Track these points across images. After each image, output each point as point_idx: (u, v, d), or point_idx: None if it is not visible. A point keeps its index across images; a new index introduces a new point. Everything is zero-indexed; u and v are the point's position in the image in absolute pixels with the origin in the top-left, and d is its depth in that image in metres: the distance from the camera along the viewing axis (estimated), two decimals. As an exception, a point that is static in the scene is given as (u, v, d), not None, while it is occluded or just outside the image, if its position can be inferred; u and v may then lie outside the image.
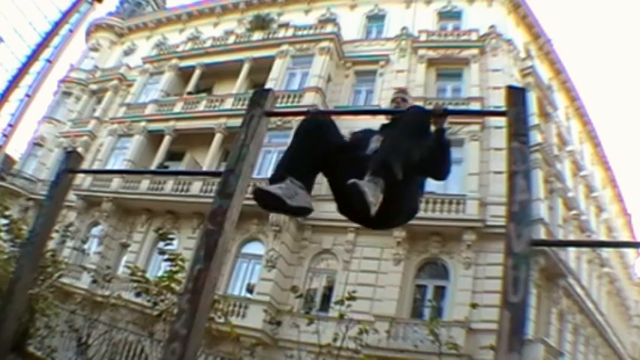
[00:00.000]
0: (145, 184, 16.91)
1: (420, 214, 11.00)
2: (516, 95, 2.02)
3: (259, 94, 2.37)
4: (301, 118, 2.39)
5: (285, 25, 19.19)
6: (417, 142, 2.04)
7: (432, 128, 2.29)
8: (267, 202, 1.96)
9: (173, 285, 6.28)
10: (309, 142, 2.16)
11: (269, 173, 15.53)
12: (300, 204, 1.96)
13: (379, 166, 1.90)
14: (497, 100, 13.45)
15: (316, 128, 2.22)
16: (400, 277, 12.88)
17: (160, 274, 7.19)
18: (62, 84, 23.78)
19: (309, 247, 14.32)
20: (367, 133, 2.41)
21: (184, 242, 14.82)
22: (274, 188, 1.95)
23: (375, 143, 2.27)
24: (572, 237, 16.22)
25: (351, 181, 1.80)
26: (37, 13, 8.75)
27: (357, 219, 2.18)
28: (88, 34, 25.13)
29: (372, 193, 1.81)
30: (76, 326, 7.93)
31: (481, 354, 9.61)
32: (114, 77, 22.75)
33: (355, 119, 8.26)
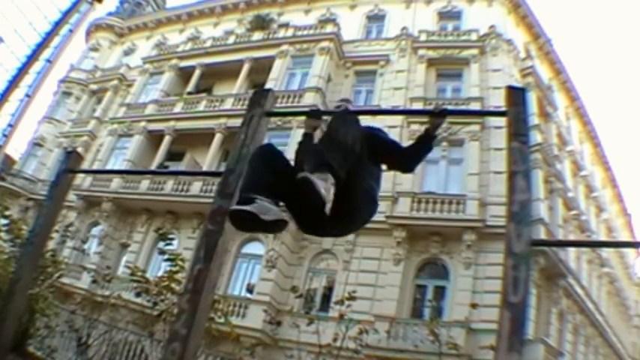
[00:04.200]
0: (145, 184, 16.91)
1: (420, 214, 11.05)
2: (516, 95, 2.02)
3: (259, 94, 2.38)
4: (302, 118, 2.39)
5: (285, 25, 19.18)
6: (349, 132, 2.07)
7: (425, 128, 2.35)
8: (243, 221, 1.94)
9: (173, 285, 6.29)
10: (265, 165, 2.16)
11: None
12: (276, 217, 1.94)
13: (319, 163, 1.92)
14: (497, 100, 13.44)
15: (269, 153, 2.25)
16: (400, 277, 12.87)
17: (160, 274, 7.20)
18: (62, 84, 23.77)
19: (309, 247, 14.31)
20: (310, 147, 2.42)
21: (184, 242, 14.81)
22: (247, 206, 1.92)
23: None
24: (572, 237, 16.21)
25: (301, 174, 1.84)
26: (37, 13, 8.76)
27: (314, 224, 2.16)
28: (88, 34, 25.13)
29: (323, 185, 1.84)
30: (76, 326, 7.94)
31: (481, 354, 9.61)
32: (114, 77, 22.74)
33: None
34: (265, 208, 1.92)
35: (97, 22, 24.50)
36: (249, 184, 2.10)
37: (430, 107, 2.42)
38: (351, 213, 2.14)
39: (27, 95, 8.98)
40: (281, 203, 2.04)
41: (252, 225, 1.95)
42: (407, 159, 2.37)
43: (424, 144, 2.33)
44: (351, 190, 2.06)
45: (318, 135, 2.36)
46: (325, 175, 1.90)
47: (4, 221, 6.75)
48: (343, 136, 2.05)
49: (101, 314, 9.13)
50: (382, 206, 11.92)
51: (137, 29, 25.08)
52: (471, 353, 10.74)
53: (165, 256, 6.65)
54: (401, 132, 13.68)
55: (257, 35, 19.06)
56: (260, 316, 12.27)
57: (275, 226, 2.00)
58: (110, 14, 25.61)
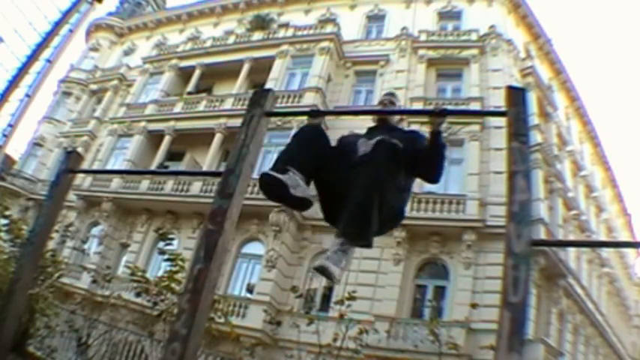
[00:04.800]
0: (145, 184, 16.91)
1: (420, 214, 11.07)
2: (516, 95, 2.02)
3: (259, 94, 2.37)
4: (302, 118, 2.41)
5: (285, 25, 19.18)
6: (392, 182, 2.04)
7: (428, 130, 2.33)
8: (271, 188, 1.96)
9: (173, 285, 6.29)
10: (308, 143, 2.18)
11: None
12: (304, 194, 1.97)
13: (349, 231, 1.93)
14: (497, 100, 13.45)
15: (316, 133, 2.28)
16: (400, 277, 12.87)
17: (160, 274, 7.20)
18: (62, 84, 23.78)
19: (309, 247, 14.31)
20: (355, 138, 2.43)
21: (184, 242, 14.82)
22: (280, 175, 1.94)
23: (363, 147, 2.28)
24: (572, 237, 16.21)
25: (318, 263, 1.92)
26: (37, 13, 8.76)
27: (340, 210, 2.14)
28: (88, 34, 25.12)
29: (337, 263, 1.92)
30: (76, 326, 7.94)
31: (481, 354, 9.61)
32: (114, 77, 22.74)
33: (355, 119, 8.26)
34: (296, 182, 1.95)
35: (97, 22, 24.50)
36: (289, 156, 2.12)
37: (430, 107, 2.43)
38: (379, 226, 2.11)
39: (27, 95, 8.98)
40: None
41: (279, 195, 1.97)
42: (428, 170, 2.31)
43: (434, 145, 2.27)
44: (385, 210, 2.06)
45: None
46: (346, 247, 1.97)
47: (4, 221, 6.75)
48: (391, 183, 2.04)
49: (101, 314, 9.14)
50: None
51: (137, 29, 25.08)
52: (471, 353, 10.74)
53: (165, 256, 6.65)
54: (401, 132, 13.67)
55: (257, 35, 19.06)
56: (260, 316, 12.27)
57: (300, 204, 2.02)
58: (110, 14, 25.61)
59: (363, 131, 2.52)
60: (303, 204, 2.02)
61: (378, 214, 1.95)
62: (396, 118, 2.56)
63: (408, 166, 2.17)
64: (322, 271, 1.90)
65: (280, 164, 2.04)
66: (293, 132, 14.86)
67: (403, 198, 2.25)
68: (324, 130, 2.37)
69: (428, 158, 2.24)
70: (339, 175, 2.10)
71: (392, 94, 2.82)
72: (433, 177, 2.32)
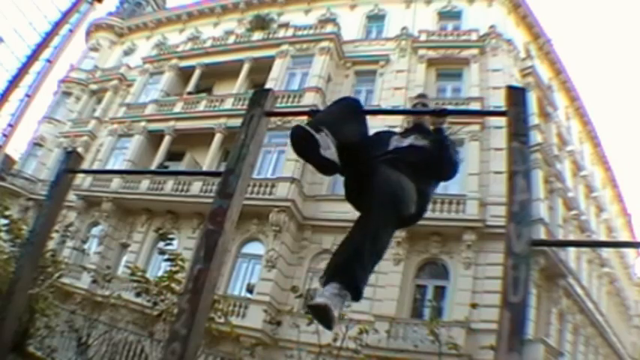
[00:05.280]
0: (145, 184, 16.91)
1: (420, 214, 10.79)
2: (516, 95, 2.02)
3: (259, 94, 2.37)
4: (302, 118, 2.39)
5: (285, 25, 19.18)
6: (391, 225, 2.01)
7: (431, 128, 2.34)
8: (301, 141, 1.90)
9: (173, 285, 6.29)
10: (349, 114, 2.16)
11: (269, 173, 15.52)
12: (331, 157, 1.91)
13: (346, 280, 1.84)
14: (497, 100, 13.44)
15: (359, 108, 2.27)
16: (400, 277, 12.87)
17: (160, 274, 7.20)
18: (62, 84, 23.78)
19: (309, 247, 14.31)
20: (389, 134, 2.50)
21: (184, 242, 14.81)
22: (314, 132, 1.89)
23: (395, 142, 2.36)
24: (572, 237, 16.21)
25: (321, 301, 1.74)
26: (37, 13, 8.74)
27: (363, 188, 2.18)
28: (88, 34, 25.12)
29: (336, 308, 1.75)
30: (76, 326, 7.95)
31: (481, 354, 9.62)
32: (114, 77, 22.74)
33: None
34: (327, 144, 1.90)
35: (97, 22, 24.49)
36: (327, 119, 2.07)
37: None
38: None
39: (27, 95, 8.97)
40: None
41: (307, 151, 1.92)
42: (441, 172, 2.33)
43: (439, 144, 2.29)
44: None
45: None
46: (344, 293, 1.85)
47: (4, 221, 6.75)
48: (390, 227, 2.03)
49: (101, 314, 9.14)
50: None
51: (137, 29, 25.07)
52: (471, 353, 10.74)
53: (165, 256, 6.66)
54: (401, 132, 13.69)
55: (257, 35, 19.06)
56: (260, 316, 12.27)
57: (325, 166, 1.97)
58: (110, 14, 25.61)
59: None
60: (329, 167, 1.96)
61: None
62: (430, 120, 2.48)
63: (429, 171, 2.23)
64: (325, 312, 1.72)
65: (315, 123, 1.97)
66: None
67: (421, 205, 2.22)
68: (364, 110, 2.36)
69: (435, 160, 2.27)
70: (365, 160, 2.10)
71: (423, 96, 2.82)
72: (444, 175, 2.36)
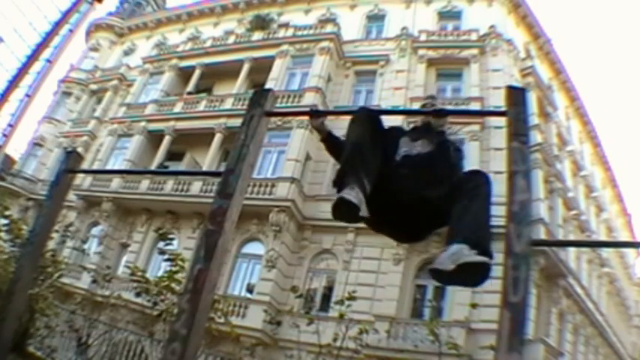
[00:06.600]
0: (145, 184, 16.90)
1: (420, 214, 10.77)
2: (516, 95, 2.02)
3: (259, 94, 2.37)
4: (302, 118, 2.37)
5: (285, 25, 19.18)
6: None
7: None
8: (344, 210, 1.88)
9: (173, 285, 6.29)
10: (374, 141, 2.08)
11: (269, 173, 15.49)
12: (363, 214, 1.89)
13: (484, 246, 2.09)
14: (497, 100, 13.44)
15: (379, 123, 2.20)
16: (400, 277, 12.87)
17: (160, 274, 7.20)
18: (62, 84, 23.77)
19: (309, 247, 14.31)
20: (399, 133, 2.43)
21: (184, 242, 14.81)
22: (352, 197, 1.86)
23: (404, 147, 2.30)
24: (572, 237, 16.20)
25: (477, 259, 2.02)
26: (37, 13, 8.75)
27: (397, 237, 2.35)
28: (88, 34, 25.12)
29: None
30: (76, 326, 7.95)
31: (481, 354, 9.61)
32: (114, 77, 22.74)
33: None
34: (358, 198, 1.88)
35: (97, 22, 24.49)
36: (355, 161, 1.99)
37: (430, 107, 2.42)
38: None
39: (27, 95, 8.97)
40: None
41: (350, 216, 1.90)
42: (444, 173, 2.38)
43: (441, 143, 2.30)
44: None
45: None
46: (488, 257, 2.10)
47: (4, 221, 6.75)
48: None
49: (101, 314, 9.15)
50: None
51: (137, 29, 25.07)
52: (471, 353, 10.73)
53: (165, 256, 6.66)
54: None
55: (257, 35, 19.05)
56: (260, 316, 12.27)
57: (357, 220, 1.96)
58: (110, 14, 25.61)
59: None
60: (359, 220, 1.96)
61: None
62: (440, 121, 2.42)
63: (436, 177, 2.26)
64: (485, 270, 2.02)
65: (347, 170, 1.93)
66: (293, 132, 15.15)
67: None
68: (380, 121, 2.23)
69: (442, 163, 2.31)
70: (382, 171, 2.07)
71: (433, 97, 2.79)
72: (447, 178, 2.39)
